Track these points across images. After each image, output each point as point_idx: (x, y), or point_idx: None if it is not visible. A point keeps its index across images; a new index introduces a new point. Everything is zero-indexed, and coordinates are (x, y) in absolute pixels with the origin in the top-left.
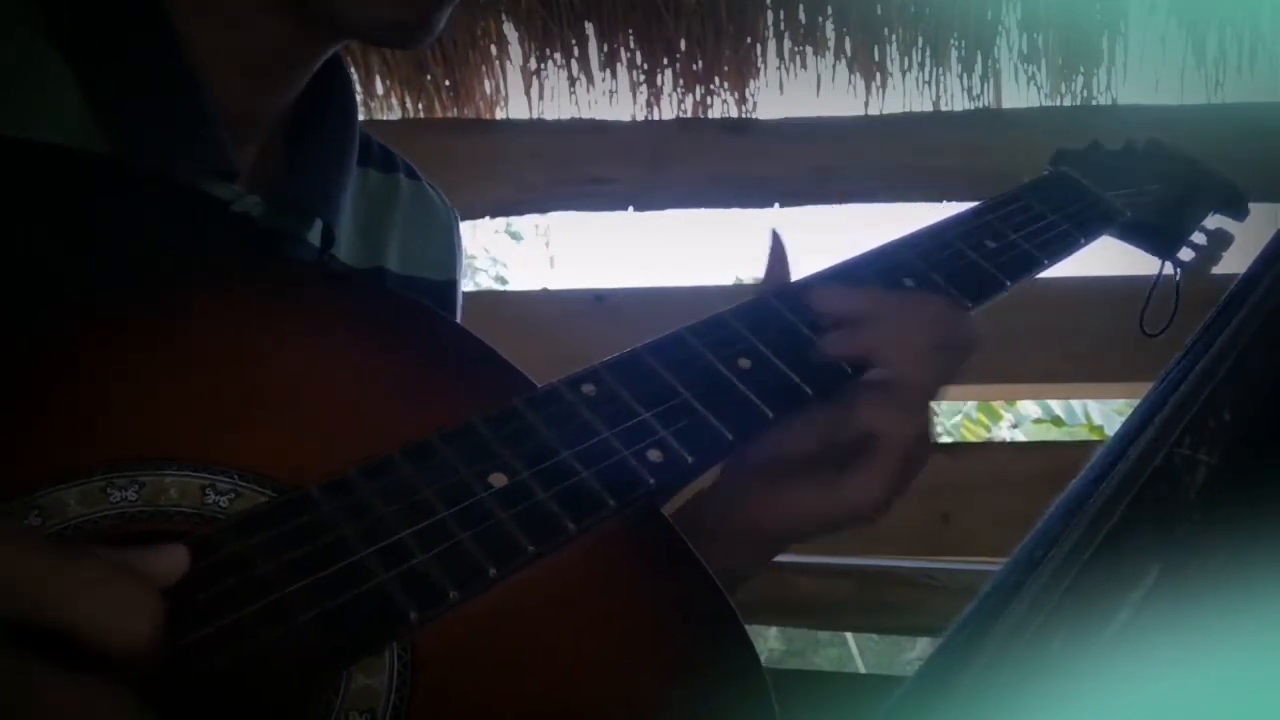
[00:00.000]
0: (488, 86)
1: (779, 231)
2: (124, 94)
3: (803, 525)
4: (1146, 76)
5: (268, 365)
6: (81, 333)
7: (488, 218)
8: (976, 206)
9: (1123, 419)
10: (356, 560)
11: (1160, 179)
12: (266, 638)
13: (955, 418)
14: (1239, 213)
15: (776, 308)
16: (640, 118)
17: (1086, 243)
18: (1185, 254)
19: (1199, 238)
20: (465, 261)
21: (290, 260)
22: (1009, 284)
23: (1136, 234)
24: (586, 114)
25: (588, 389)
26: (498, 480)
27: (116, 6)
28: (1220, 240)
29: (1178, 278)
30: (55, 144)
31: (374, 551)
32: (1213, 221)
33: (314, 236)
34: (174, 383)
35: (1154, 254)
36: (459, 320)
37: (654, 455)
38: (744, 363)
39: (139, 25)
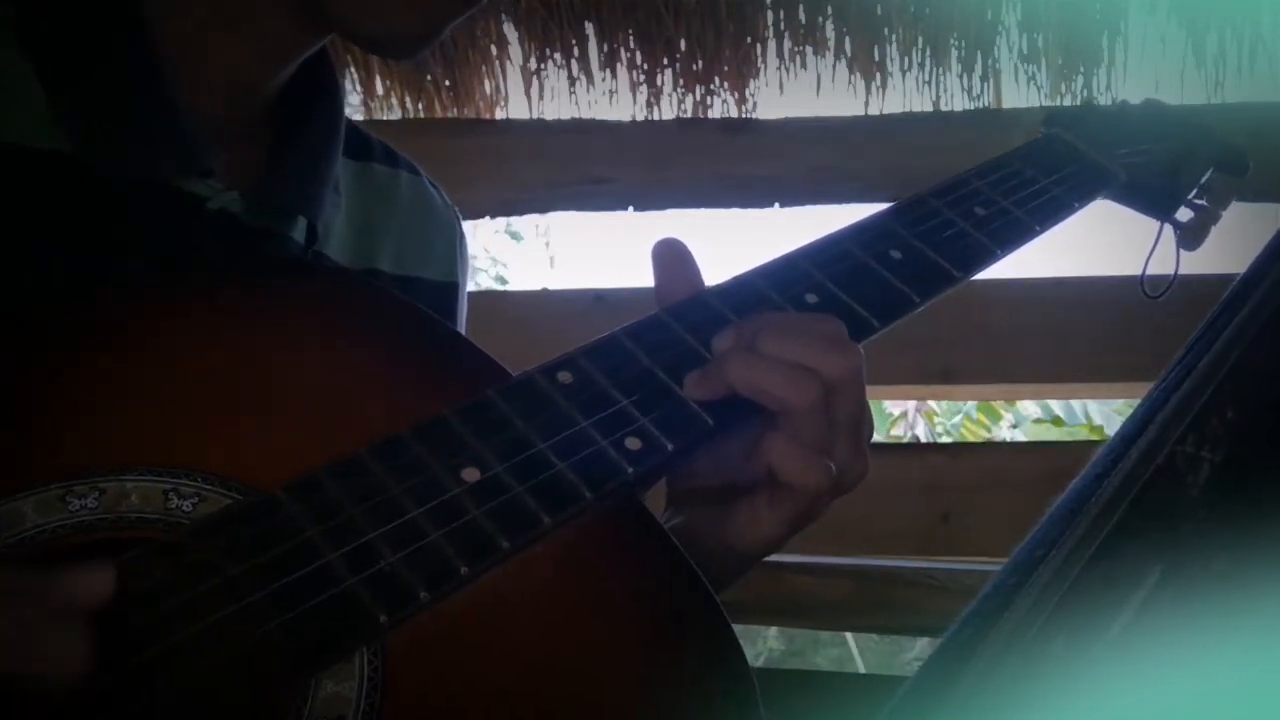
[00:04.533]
0: (488, 86)
1: (670, 243)
2: (86, 93)
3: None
4: (1146, 76)
5: (231, 365)
6: (36, 337)
7: (488, 217)
8: (965, 173)
9: (1123, 419)
10: (324, 563)
11: (1156, 139)
12: (232, 646)
13: (955, 418)
14: (1238, 171)
15: (760, 286)
16: (640, 118)
17: (1081, 207)
18: (1184, 214)
19: (1199, 198)
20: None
21: (254, 256)
22: (1000, 253)
23: (1133, 196)
24: (586, 114)
25: (563, 376)
26: (470, 475)
27: (84, 6)
28: (1219, 199)
29: (1176, 239)
30: (19, 145)
31: (342, 554)
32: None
33: (299, 233)
34: (134, 385)
35: (1152, 215)
36: (463, 324)
37: (632, 444)
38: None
39: (105, 24)
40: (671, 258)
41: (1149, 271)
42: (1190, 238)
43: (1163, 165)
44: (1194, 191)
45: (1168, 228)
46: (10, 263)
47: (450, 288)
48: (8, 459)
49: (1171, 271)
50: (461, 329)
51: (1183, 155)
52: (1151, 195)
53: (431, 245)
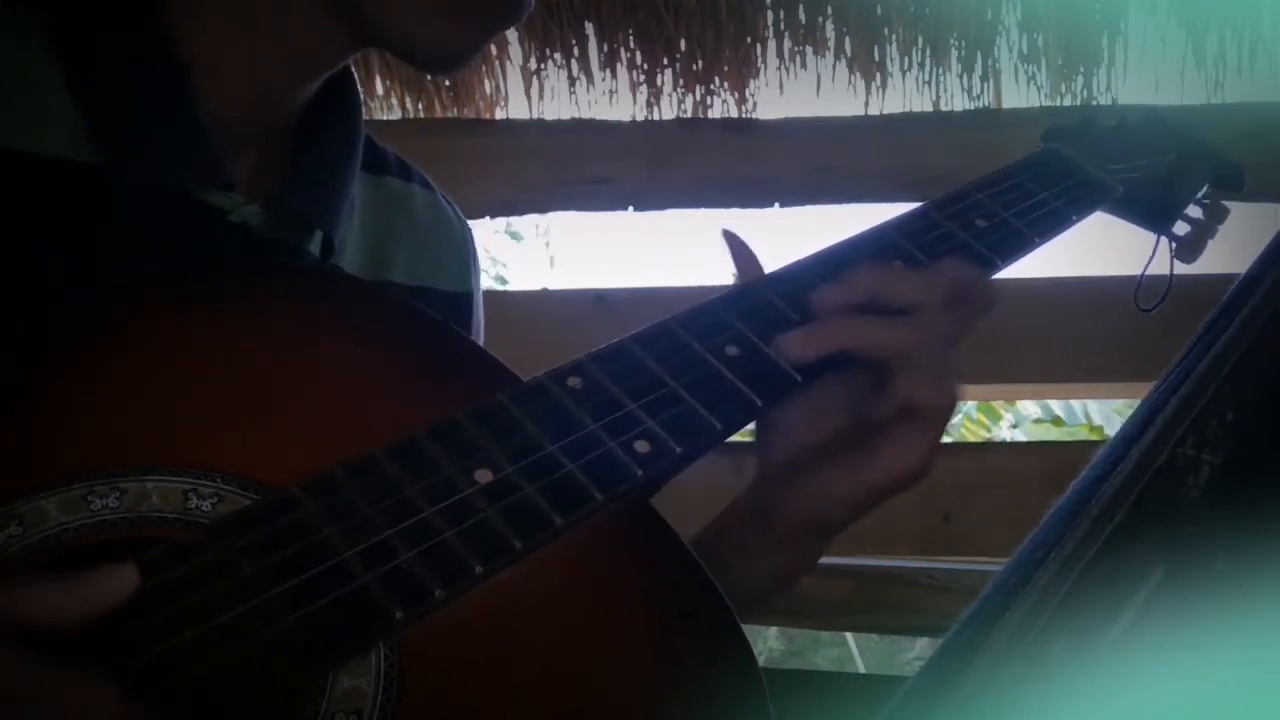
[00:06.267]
0: (488, 86)
1: (731, 232)
2: (114, 105)
3: (840, 508)
4: (1146, 76)
5: (249, 368)
6: (60, 339)
7: (488, 218)
8: (966, 186)
9: (1123, 419)
10: (340, 561)
11: (1154, 153)
12: (251, 642)
13: (955, 418)
14: (1234, 185)
15: (766, 294)
16: (640, 118)
17: (1079, 219)
18: (1180, 228)
19: (1195, 212)
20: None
21: (271, 262)
22: (1000, 263)
23: (1130, 209)
24: (586, 114)
25: (573, 382)
26: (483, 476)
27: (113, 18)
28: (1216, 213)
29: (1172, 252)
30: (46, 155)
31: (358, 552)
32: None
33: (315, 247)
34: (155, 387)
35: (1148, 229)
36: (479, 331)
37: (641, 447)
38: (732, 350)
39: (133, 36)
40: (741, 245)
41: (1146, 283)
42: (1186, 251)
43: (1159, 179)
44: (1190, 206)
45: (1163, 241)
46: (32, 269)
47: (464, 298)
48: (32, 459)
49: (1165, 284)
50: (479, 337)
51: (1180, 170)
52: (1148, 209)
53: (445, 257)
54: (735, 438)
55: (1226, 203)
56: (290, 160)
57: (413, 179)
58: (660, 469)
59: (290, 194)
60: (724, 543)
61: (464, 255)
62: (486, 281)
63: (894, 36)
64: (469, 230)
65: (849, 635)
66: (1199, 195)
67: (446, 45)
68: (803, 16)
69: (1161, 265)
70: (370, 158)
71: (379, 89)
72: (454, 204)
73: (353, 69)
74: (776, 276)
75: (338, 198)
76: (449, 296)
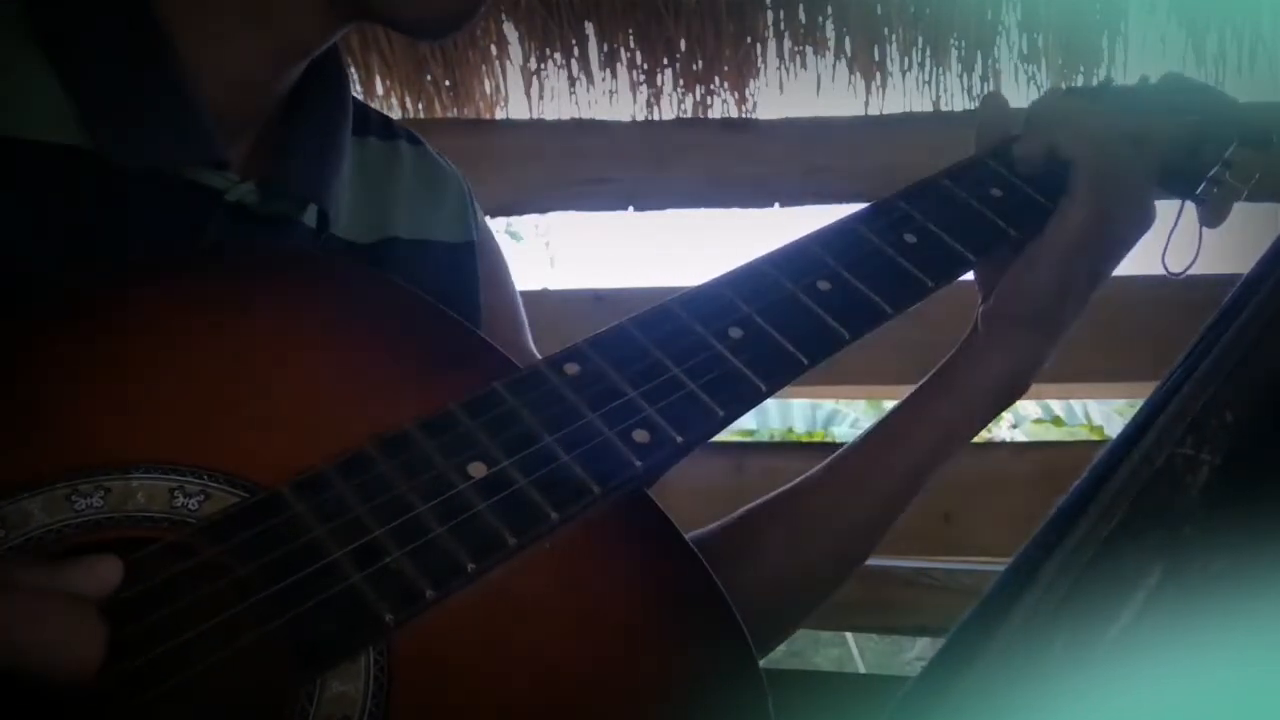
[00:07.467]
0: (488, 86)
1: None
2: (106, 89)
3: (1038, 296)
4: None
5: (237, 362)
6: (40, 334)
7: (488, 218)
8: (978, 155)
9: (1123, 419)
10: (330, 562)
11: (1176, 114)
12: (239, 645)
13: None
14: (1262, 145)
15: (773, 276)
16: (640, 118)
17: None
18: (1206, 191)
19: (1221, 174)
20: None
21: (262, 251)
22: (1014, 233)
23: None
24: (586, 114)
25: (571, 368)
26: (477, 470)
27: (100, 4)
28: (1243, 174)
29: (1199, 217)
30: (37, 140)
31: (348, 552)
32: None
33: (310, 220)
34: (140, 384)
35: (1173, 194)
36: (505, 282)
37: (640, 436)
38: (735, 333)
39: (120, 20)
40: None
41: (1168, 255)
42: (1212, 215)
43: (1184, 141)
44: (1216, 168)
45: (1189, 205)
46: (20, 258)
47: (465, 248)
48: (13, 459)
49: (1194, 250)
50: (499, 283)
51: (1203, 130)
52: (1172, 173)
53: (441, 208)
54: (734, 435)
55: (1253, 169)
56: (281, 140)
57: (397, 136)
58: (660, 459)
59: (284, 169)
60: (961, 353)
61: (461, 204)
62: None
63: (894, 36)
64: (463, 179)
65: (849, 635)
66: (1225, 156)
67: (445, 12)
68: (803, 16)
69: (1188, 239)
70: (353, 122)
71: (379, 89)
72: (445, 157)
73: (339, 44)
74: (781, 254)
75: (330, 171)
76: (449, 247)
